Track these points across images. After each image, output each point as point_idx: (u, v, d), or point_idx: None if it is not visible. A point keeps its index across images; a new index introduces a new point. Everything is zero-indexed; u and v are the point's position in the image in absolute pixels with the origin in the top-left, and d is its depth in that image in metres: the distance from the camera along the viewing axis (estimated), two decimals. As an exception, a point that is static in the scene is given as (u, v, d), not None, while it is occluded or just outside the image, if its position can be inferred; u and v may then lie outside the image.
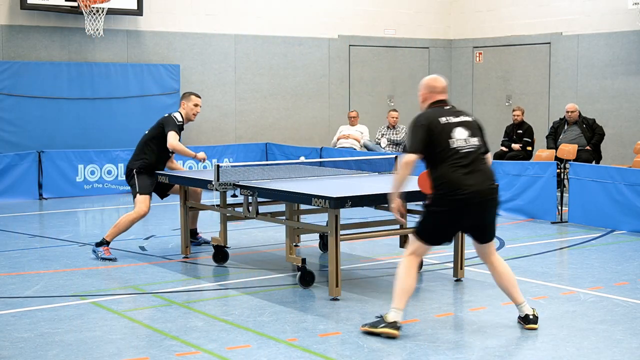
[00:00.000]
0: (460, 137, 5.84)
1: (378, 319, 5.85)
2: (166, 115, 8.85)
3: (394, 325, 5.74)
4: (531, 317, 5.96)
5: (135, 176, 8.67)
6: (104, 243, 8.54)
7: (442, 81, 6.10)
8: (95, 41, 14.38)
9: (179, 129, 8.69)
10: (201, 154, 8.81)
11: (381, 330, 5.74)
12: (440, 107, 6.00)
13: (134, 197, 8.67)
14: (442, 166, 5.80)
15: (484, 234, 6.00)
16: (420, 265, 7.82)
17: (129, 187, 9.41)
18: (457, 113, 5.99)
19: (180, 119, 8.78)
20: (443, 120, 5.88)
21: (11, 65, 13.75)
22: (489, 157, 6.07)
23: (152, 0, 14.98)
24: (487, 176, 5.88)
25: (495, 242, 6.14)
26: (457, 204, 5.74)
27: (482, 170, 5.87)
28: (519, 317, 6.03)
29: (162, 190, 9.08)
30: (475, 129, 5.96)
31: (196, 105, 8.87)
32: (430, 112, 5.98)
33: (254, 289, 7.21)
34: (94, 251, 8.57)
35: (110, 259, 8.44)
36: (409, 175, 5.83)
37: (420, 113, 6.02)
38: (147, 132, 8.90)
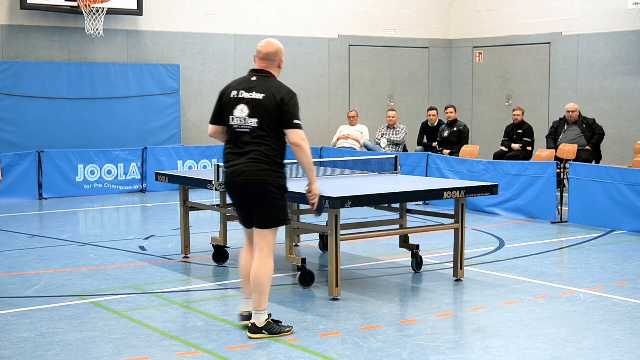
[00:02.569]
0: (239, 116, 5.69)
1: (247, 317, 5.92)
2: None
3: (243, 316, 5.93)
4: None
5: None
6: None
7: (270, 45, 5.79)
8: (95, 41, 14.38)
9: None
10: None
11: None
12: (248, 76, 5.85)
13: None
14: (226, 142, 5.85)
15: (251, 218, 5.77)
16: (420, 264, 7.84)
17: (129, 187, 9.43)
18: (252, 88, 5.69)
19: None
20: (234, 93, 5.76)
21: (11, 65, 13.75)
22: (292, 132, 5.62)
23: (152, 0, 14.98)
24: (251, 158, 5.61)
25: (264, 237, 5.72)
26: (226, 182, 5.80)
27: (251, 152, 5.62)
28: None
29: None
30: (259, 108, 5.61)
31: None
32: (235, 80, 5.92)
33: (254, 289, 7.20)
34: None
35: None
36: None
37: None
38: None
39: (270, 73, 5.82)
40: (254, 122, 5.65)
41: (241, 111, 5.69)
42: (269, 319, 5.77)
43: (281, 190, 5.72)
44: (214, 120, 5.97)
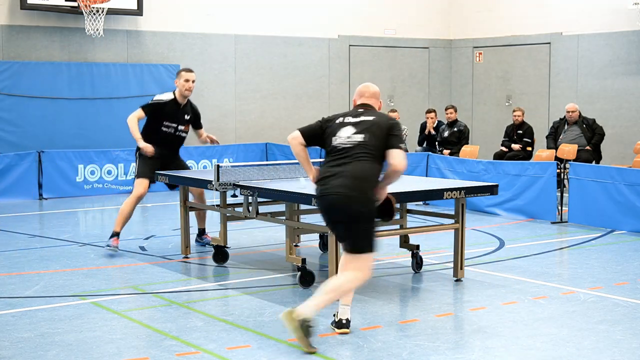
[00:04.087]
0: (344, 135, 5.72)
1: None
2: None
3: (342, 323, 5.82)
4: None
5: (137, 158, 8.88)
6: (114, 235, 8.76)
7: (373, 86, 6.06)
8: (95, 41, 14.38)
9: (149, 108, 8.76)
10: (144, 146, 8.64)
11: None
12: (354, 109, 5.98)
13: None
14: (324, 162, 5.81)
15: (344, 237, 5.72)
16: (420, 264, 7.85)
17: (129, 187, 9.46)
18: (360, 114, 5.81)
19: (161, 98, 8.88)
20: (339, 119, 5.83)
21: (11, 65, 13.75)
22: (394, 153, 5.59)
23: (152, 0, 14.98)
24: (351, 175, 5.55)
25: (362, 260, 5.61)
26: (318, 197, 5.74)
27: (352, 166, 5.59)
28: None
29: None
30: (367, 127, 5.68)
31: (187, 80, 8.90)
32: (339, 112, 6.05)
33: (254, 289, 7.21)
34: (107, 244, 8.72)
35: (111, 249, 8.62)
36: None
37: None
38: None
39: (373, 107, 5.97)
40: (360, 137, 5.67)
41: (346, 131, 5.74)
42: (305, 322, 5.39)
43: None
44: (306, 135, 5.88)
